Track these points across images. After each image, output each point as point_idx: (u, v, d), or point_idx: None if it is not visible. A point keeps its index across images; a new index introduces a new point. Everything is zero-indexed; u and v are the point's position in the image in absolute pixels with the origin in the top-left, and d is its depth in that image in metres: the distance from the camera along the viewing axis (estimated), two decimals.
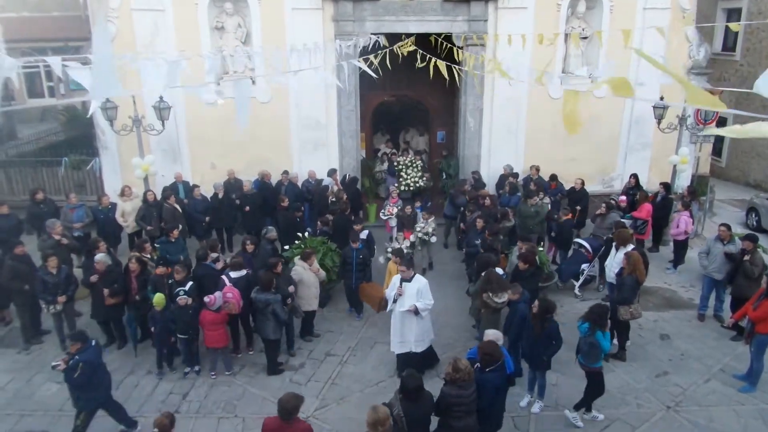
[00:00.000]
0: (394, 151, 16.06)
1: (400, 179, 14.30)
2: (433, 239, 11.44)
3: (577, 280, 10.80)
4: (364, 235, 10.18)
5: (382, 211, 12.54)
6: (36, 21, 22.81)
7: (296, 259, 9.30)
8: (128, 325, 9.08)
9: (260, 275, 8.36)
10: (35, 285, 8.85)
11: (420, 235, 11.20)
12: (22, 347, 9.20)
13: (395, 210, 12.14)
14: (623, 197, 12.53)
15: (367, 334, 9.60)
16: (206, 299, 8.12)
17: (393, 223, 12.19)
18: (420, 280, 7.87)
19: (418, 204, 12.18)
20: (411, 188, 14.00)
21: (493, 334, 6.85)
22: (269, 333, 8.21)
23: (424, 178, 14.31)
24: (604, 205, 11.41)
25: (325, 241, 10.48)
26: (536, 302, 7.32)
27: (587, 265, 10.66)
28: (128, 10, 12.66)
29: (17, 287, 9.03)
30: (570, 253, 11.37)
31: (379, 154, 16.18)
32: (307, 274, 8.99)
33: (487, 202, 11.68)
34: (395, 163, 15.07)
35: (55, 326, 9.13)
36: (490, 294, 7.99)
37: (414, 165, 14.83)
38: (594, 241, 10.89)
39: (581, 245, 10.80)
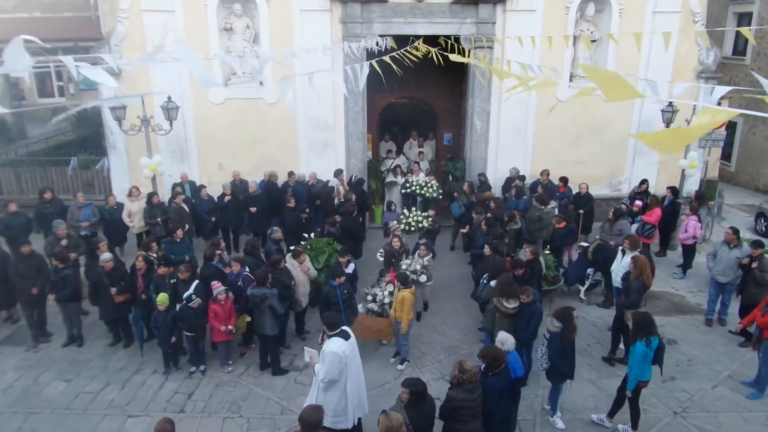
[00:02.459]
0: (410, 169, 14.64)
1: (401, 216, 11.88)
2: (423, 278, 9.51)
3: (583, 284, 10.76)
4: (350, 269, 9.36)
5: (380, 251, 10.69)
6: (47, 21, 23.00)
7: (288, 257, 9.32)
8: (134, 323, 9.13)
9: (256, 272, 8.47)
10: (39, 281, 9.02)
11: (407, 273, 9.20)
12: (30, 345, 9.27)
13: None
14: (639, 202, 12.45)
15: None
16: (213, 283, 8.32)
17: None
18: (331, 344, 6.49)
19: (422, 240, 10.23)
20: (412, 228, 11.60)
21: (503, 338, 6.83)
22: (267, 329, 8.25)
23: (430, 219, 11.70)
24: (612, 211, 11.36)
25: (331, 242, 10.49)
26: (575, 314, 7.15)
27: (593, 269, 10.61)
28: (138, 10, 12.74)
29: (21, 287, 9.10)
30: (572, 257, 11.39)
31: (391, 166, 15.02)
32: (296, 272, 9.05)
33: (492, 204, 11.63)
34: (408, 183, 13.63)
35: (63, 320, 9.22)
36: (502, 300, 7.94)
37: (429, 185, 13.35)
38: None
39: (586, 249, 10.74)
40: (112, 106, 11.09)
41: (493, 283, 8.33)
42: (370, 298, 9.11)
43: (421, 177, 13.82)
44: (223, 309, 8.26)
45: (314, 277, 9.43)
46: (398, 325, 8.50)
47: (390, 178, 14.79)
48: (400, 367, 8.63)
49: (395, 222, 11.45)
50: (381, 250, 10.59)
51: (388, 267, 9.65)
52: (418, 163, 14.89)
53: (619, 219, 11.13)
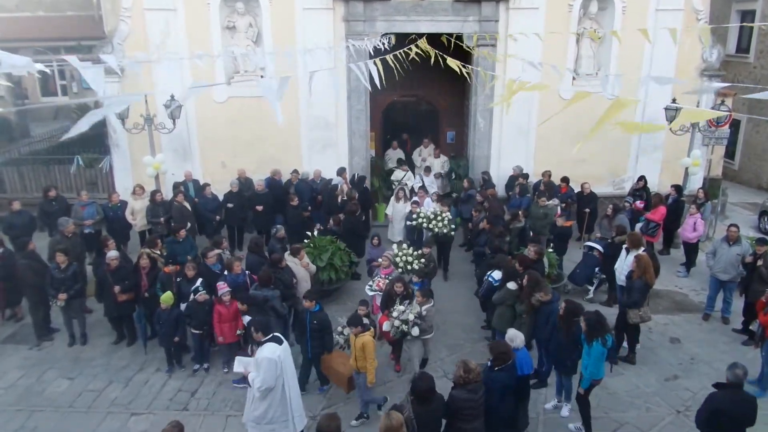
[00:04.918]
0: (415, 200, 12.12)
1: (386, 254, 9.77)
2: (415, 331, 7.63)
3: (591, 284, 10.71)
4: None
5: (369, 284, 9.41)
6: (50, 20, 23.05)
7: (286, 255, 9.31)
8: (138, 321, 9.15)
9: (259, 273, 8.44)
10: (45, 280, 9.01)
11: (396, 323, 7.66)
12: (33, 344, 9.28)
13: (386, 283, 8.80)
14: (638, 203, 12.41)
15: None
16: (219, 283, 8.30)
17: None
18: (264, 350, 6.17)
19: (417, 279, 8.90)
20: (400, 269, 9.62)
21: (512, 335, 6.79)
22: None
23: (422, 262, 9.62)
24: (611, 206, 11.35)
25: (334, 240, 10.49)
26: (563, 304, 7.13)
27: (599, 268, 10.57)
28: (141, 9, 12.75)
29: (33, 284, 9.12)
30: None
31: (403, 178, 14.05)
32: (297, 269, 9.06)
33: (485, 204, 11.56)
34: (414, 215, 11.40)
35: (64, 322, 9.23)
36: (538, 296, 7.80)
37: (440, 218, 11.07)
38: (604, 243, 10.81)
39: (592, 248, 10.71)
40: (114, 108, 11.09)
41: (510, 285, 8.12)
42: (339, 329, 7.99)
43: (431, 205, 11.89)
44: (228, 311, 8.23)
45: (314, 272, 9.44)
46: (359, 376, 7.24)
47: (392, 200, 13.03)
48: (354, 423, 7.33)
49: (382, 259, 9.56)
50: (371, 284, 9.36)
51: (383, 309, 8.26)
52: (423, 186, 13.07)
53: (617, 214, 11.11)
